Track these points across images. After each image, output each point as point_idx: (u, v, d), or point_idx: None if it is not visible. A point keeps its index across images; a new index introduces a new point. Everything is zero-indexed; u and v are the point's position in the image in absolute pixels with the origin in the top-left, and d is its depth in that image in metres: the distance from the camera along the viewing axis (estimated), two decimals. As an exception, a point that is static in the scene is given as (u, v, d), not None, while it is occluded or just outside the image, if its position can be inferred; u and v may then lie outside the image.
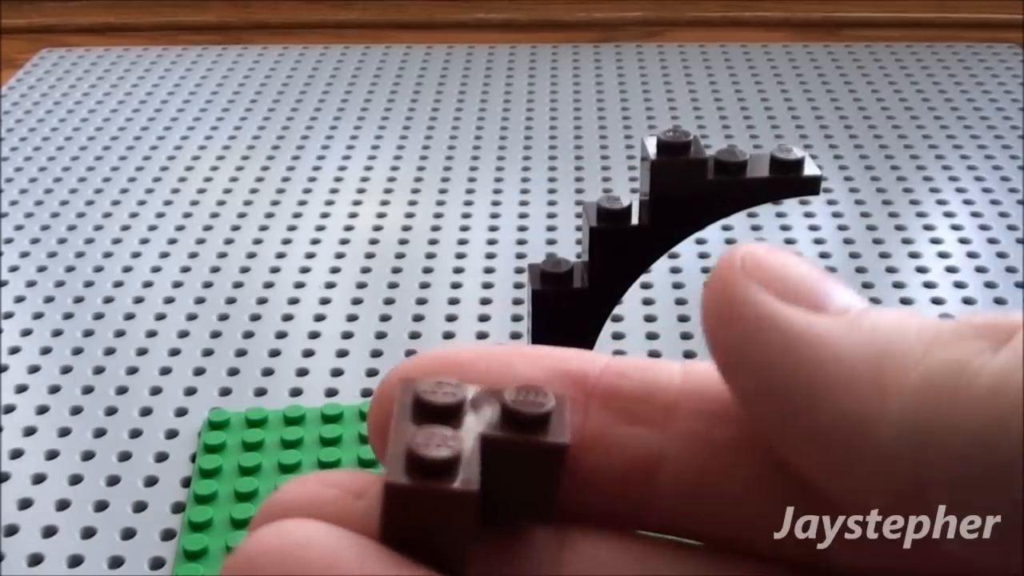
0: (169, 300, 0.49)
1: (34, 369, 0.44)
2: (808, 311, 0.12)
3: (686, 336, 0.45)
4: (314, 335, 0.46)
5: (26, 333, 0.46)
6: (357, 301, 0.48)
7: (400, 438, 0.12)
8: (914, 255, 0.51)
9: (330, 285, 0.50)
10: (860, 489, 0.11)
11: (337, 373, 0.44)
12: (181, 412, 0.42)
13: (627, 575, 0.13)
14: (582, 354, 0.14)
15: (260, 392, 0.43)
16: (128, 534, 0.36)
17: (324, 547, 0.11)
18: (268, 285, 0.50)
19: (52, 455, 0.40)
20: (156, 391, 0.43)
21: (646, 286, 0.48)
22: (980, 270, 0.50)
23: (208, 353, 0.45)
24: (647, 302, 0.47)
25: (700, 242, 0.52)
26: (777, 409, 0.12)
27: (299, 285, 0.50)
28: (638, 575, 0.13)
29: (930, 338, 0.11)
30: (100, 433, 0.41)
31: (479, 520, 0.12)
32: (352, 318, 0.47)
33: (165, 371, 0.44)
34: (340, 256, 0.52)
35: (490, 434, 0.12)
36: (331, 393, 0.42)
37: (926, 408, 0.11)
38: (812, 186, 0.26)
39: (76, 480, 0.39)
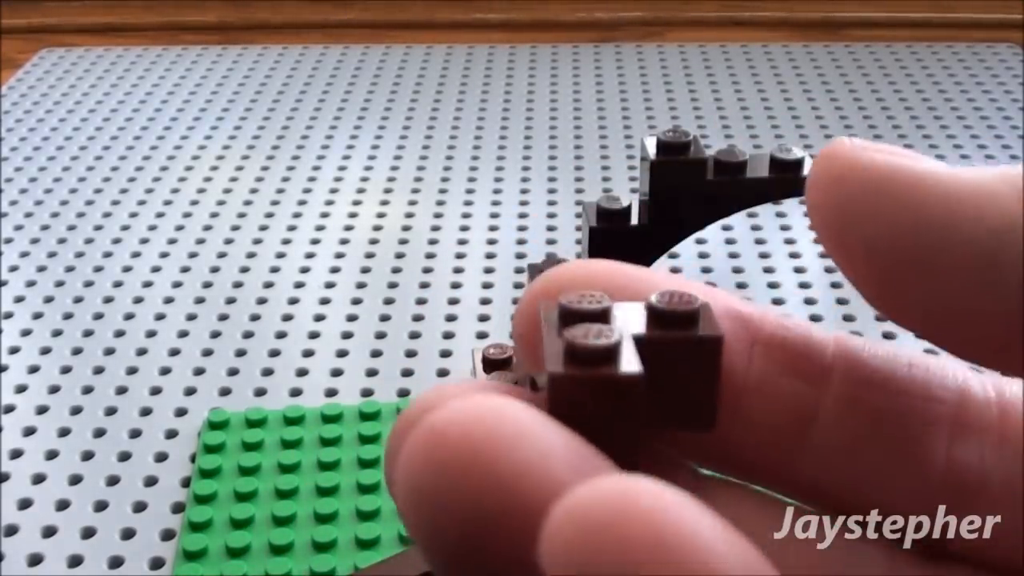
0: (169, 300, 0.49)
1: (34, 369, 0.44)
2: (925, 162, 0.12)
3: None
4: (314, 335, 0.46)
5: (26, 333, 0.46)
6: (357, 301, 0.48)
7: (554, 340, 0.11)
8: (914, 255, 0.51)
9: (330, 285, 0.50)
10: (1000, 312, 0.11)
11: (337, 373, 0.44)
12: (181, 412, 0.42)
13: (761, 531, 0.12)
14: (744, 301, 0.13)
15: (260, 392, 0.43)
16: (128, 534, 0.36)
17: (519, 420, 0.10)
18: (268, 285, 0.50)
19: (52, 455, 0.40)
20: (156, 391, 0.43)
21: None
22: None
23: (208, 353, 0.45)
24: (647, 302, 0.47)
25: (700, 242, 0.52)
26: (912, 245, 0.11)
27: (299, 285, 0.50)
28: (774, 535, 0.12)
29: None
30: (100, 433, 0.41)
31: (646, 411, 0.11)
32: (352, 318, 0.47)
33: (165, 371, 0.44)
34: (340, 256, 0.52)
35: (643, 333, 0.12)
36: (331, 393, 0.42)
37: None
38: (812, 186, 0.26)
39: (76, 480, 0.39)
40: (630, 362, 0.11)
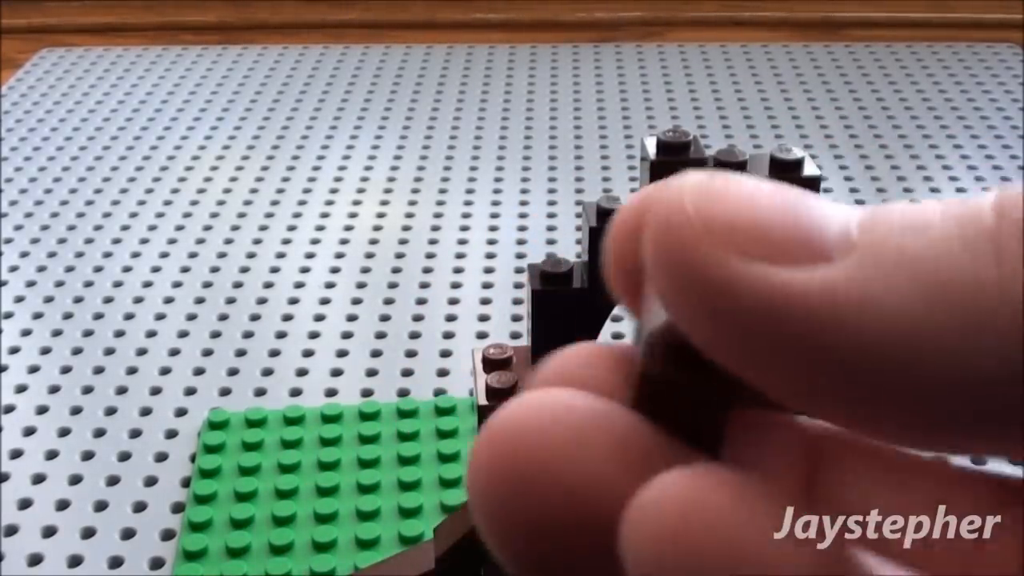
0: (169, 300, 0.49)
1: (34, 369, 0.44)
2: (805, 265, 0.10)
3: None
4: (314, 335, 0.46)
5: (26, 333, 0.46)
6: (357, 301, 0.48)
7: (652, 317, 0.11)
8: (914, 255, 0.51)
9: (330, 285, 0.50)
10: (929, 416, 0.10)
11: (337, 373, 0.44)
12: (181, 412, 0.42)
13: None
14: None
15: (260, 392, 0.43)
16: (128, 534, 0.36)
17: (584, 412, 0.10)
18: (268, 285, 0.50)
19: (52, 455, 0.40)
20: (156, 391, 0.43)
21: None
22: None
23: (208, 353, 0.45)
24: (647, 302, 0.47)
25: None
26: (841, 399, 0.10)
27: (299, 285, 0.50)
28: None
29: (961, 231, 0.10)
30: (100, 433, 0.41)
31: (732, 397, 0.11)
32: (352, 318, 0.47)
33: (165, 371, 0.44)
34: (340, 256, 0.52)
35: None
36: (331, 393, 0.42)
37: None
38: (812, 186, 0.26)
39: (76, 480, 0.39)
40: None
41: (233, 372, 0.44)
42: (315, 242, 0.53)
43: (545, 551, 0.10)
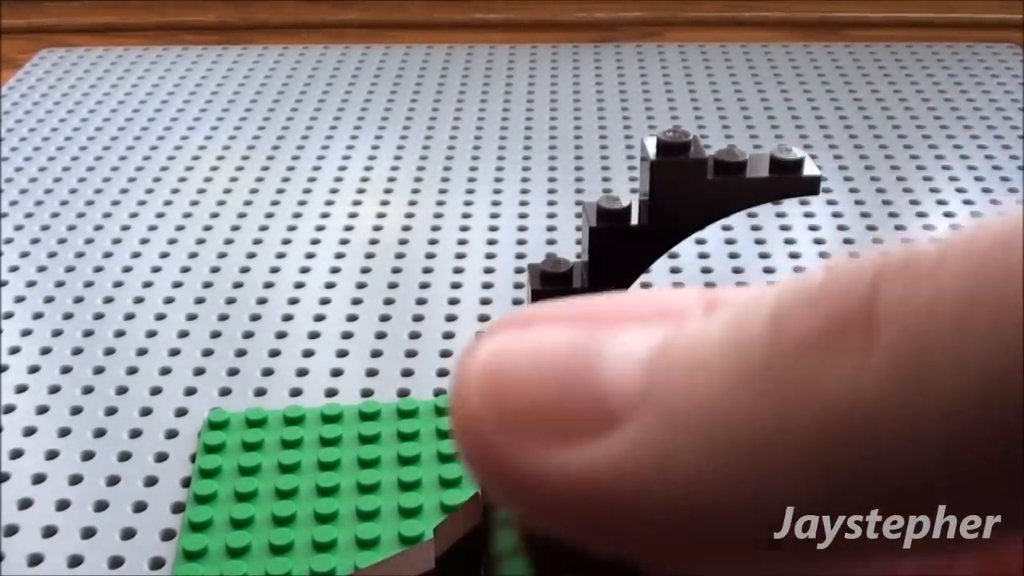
0: (169, 300, 0.49)
1: (34, 369, 0.44)
2: (592, 439, 0.09)
3: (686, 336, 0.45)
4: (314, 335, 0.46)
5: (26, 333, 0.46)
6: (357, 301, 0.48)
7: None
8: (914, 255, 0.51)
9: (330, 285, 0.50)
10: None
11: (337, 373, 0.44)
12: (181, 412, 0.42)
13: None
14: (679, 293, 0.12)
15: (260, 392, 0.43)
16: (128, 534, 0.36)
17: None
18: (268, 285, 0.50)
19: (52, 455, 0.40)
20: (156, 391, 0.43)
21: (646, 286, 0.48)
22: (980, 270, 0.50)
23: (208, 353, 0.45)
24: (647, 302, 0.47)
25: (700, 242, 0.52)
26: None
27: (299, 285, 0.50)
28: None
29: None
30: (100, 433, 0.41)
31: None
32: (352, 318, 0.47)
33: (165, 371, 0.44)
34: (340, 256, 0.52)
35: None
36: (331, 393, 0.42)
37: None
38: (812, 186, 0.26)
39: (76, 480, 0.39)
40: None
41: (233, 372, 0.44)
42: (315, 242, 0.53)
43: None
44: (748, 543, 0.09)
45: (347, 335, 0.46)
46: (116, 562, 0.35)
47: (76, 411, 0.42)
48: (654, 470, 0.09)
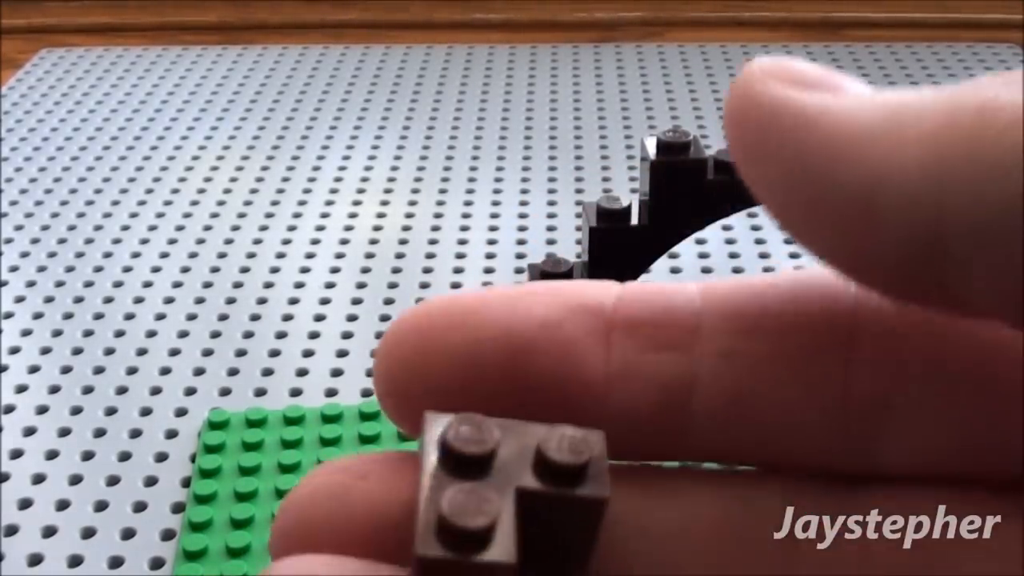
0: (169, 300, 0.49)
1: (34, 369, 0.44)
2: (824, 94, 0.12)
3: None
4: (314, 335, 0.46)
5: (26, 333, 0.46)
6: (357, 301, 0.48)
7: (430, 499, 0.11)
8: (914, 255, 0.51)
9: (330, 285, 0.50)
10: (879, 253, 0.11)
11: (337, 373, 0.44)
12: (181, 412, 0.42)
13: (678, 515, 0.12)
14: (595, 284, 0.13)
15: (260, 392, 0.43)
16: (128, 534, 0.36)
17: None
18: (268, 285, 0.50)
19: (52, 455, 0.40)
20: (156, 391, 0.43)
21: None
22: (980, 270, 0.50)
23: (208, 353, 0.45)
24: (647, 302, 0.47)
25: (700, 242, 0.52)
26: (798, 186, 0.11)
27: (299, 285, 0.50)
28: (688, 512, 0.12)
29: (949, 91, 0.11)
30: (100, 433, 0.41)
31: None
32: (352, 318, 0.47)
33: (165, 371, 0.44)
34: (340, 256, 0.52)
35: (527, 487, 0.11)
36: (331, 393, 0.42)
37: (946, 147, 0.10)
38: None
39: (76, 480, 0.39)
40: (505, 550, 0.11)
41: (233, 372, 0.44)
42: (315, 242, 0.53)
43: None
44: (914, 244, 0.11)
45: (347, 335, 0.46)
46: (116, 562, 0.35)
47: (76, 411, 0.42)
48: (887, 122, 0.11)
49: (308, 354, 0.45)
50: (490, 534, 0.11)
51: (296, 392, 0.43)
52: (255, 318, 0.47)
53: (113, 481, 0.39)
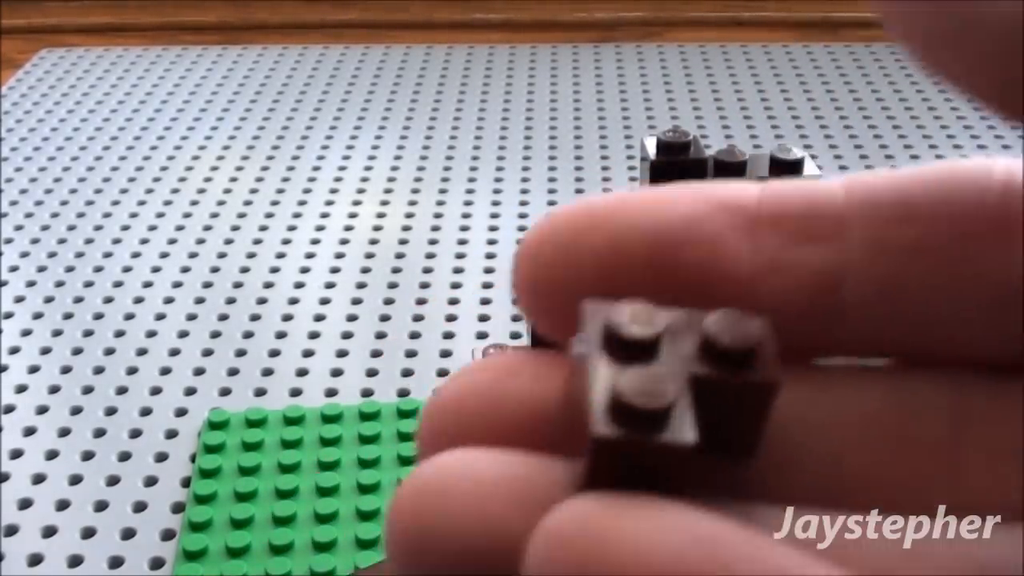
0: (169, 300, 0.49)
1: (34, 369, 0.44)
2: None
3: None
4: (314, 335, 0.46)
5: (26, 333, 0.46)
6: (357, 301, 0.48)
7: (603, 380, 0.11)
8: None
9: (330, 285, 0.50)
10: None
11: (337, 373, 0.44)
12: (181, 412, 0.42)
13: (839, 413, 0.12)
14: (735, 184, 0.13)
15: (260, 392, 0.43)
16: (128, 534, 0.36)
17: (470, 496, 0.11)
18: (268, 285, 0.50)
19: (52, 455, 0.40)
20: (156, 391, 0.43)
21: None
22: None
23: (208, 353, 0.45)
24: (647, 302, 0.47)
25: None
26: (944, 22, 0.10)
27: (299, 285, 0.50)
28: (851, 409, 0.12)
29: None
30: (100, 433, 0.41)
31: (696, 468, 0.11)
32: (352, 318, 0.47)
33: (165, 371, 0.44)
34: (340, 256, 0.52)
35: (698, 373, 0.11)
36: (331, 393, 0.43)
37: None
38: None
39: (76, 480, 0.39)
40: (682, 429, 0.10)
41: (233, 372, 0.44)
42: (315, 242, 0.53)
43: None
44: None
45: (347, 335, 0.46)
46: (116, 562, 0.35)
47: (76, 411, 0.42)
48: None
49: (308, 354, 0.45)
50: (668, 415, 0.10)
51: (296, 392, 0.43)
52: (255, 318, 0.47)
53: (113, 481, 0.39)
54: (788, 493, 0.12)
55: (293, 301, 0.48)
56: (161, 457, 0.40)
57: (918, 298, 0.12)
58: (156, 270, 0.51)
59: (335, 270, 0.51)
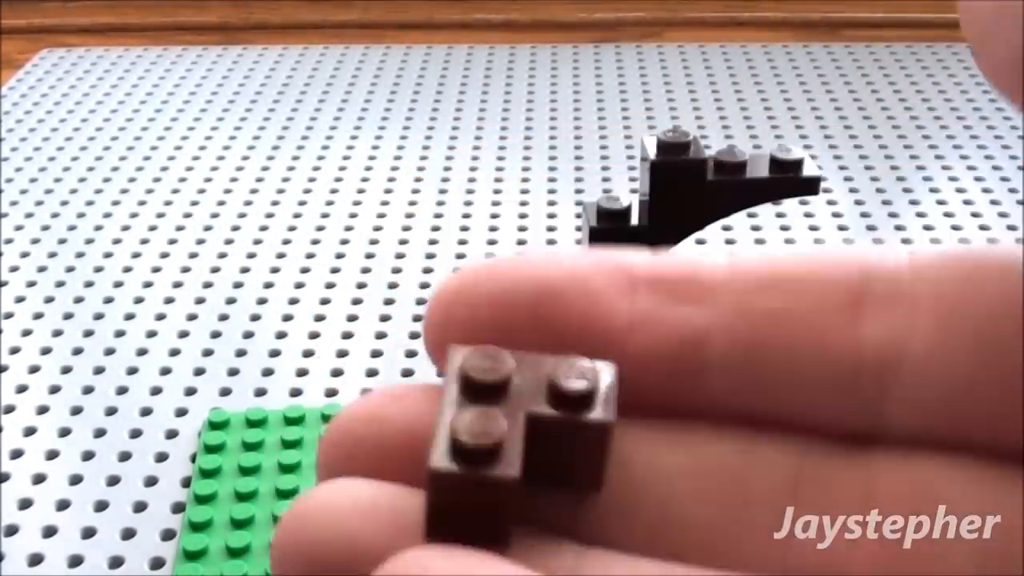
0: (169, 300, 0.49)
1: (34, 369, 0.44)
2: None
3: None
4: (314, 335, 0.46)
5: (26, 333, 0.46)
6: (357, 301, 0.48)
7: (445, 420, 0.12)
8: (914, 255, 0.51)
9: (330, 285, 0.50)
10: None
11: (337, 373, 0.44)
12: (181, 412, 0.42)
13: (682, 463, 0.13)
14: (632, 251, 0.14)
15: (260, 392, 0.43)
16: (128, 534, 0.36)
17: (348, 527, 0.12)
18: (268, 285, 0.50)
19: (52, 455, 0.40)
20: (156, 391, 0.43)
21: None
22: (980, 270, 0.50)
23: (208, 353, 0.45)
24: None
25: (700, 242, 0.52)
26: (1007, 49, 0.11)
27: (299, 285, 0.50)
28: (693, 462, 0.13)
29: None
30: (100, 433, 0.41)
31: (524, 499, 0.12)
32: (352, 318, 0.47)
33: (165, 371, 0.44)
34: (340, 256, 0.52)
35: (535, 413, 0.12)
36: (331, 393, 0.43)
37: None
38: (812, 186, 0.26)
39: (76, 480, 0.39)
40: (511, 464, 0.11)
41: (233, 372, 0.44)
42: (315, 242, 0.53)
43: None
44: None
45: (347, 335, 0.46)
46: (116, 562, 0.35)
47: (76, 411, 0.42)
48: None
49: (308, 354, 0.45)
50: (497, 452, 0.11)
51: (296, 392, 0.43)
52: (255, 318, 0.47)
53: (113, 481, 0.39)
54: (626, 535, 0.13)
55: (293, 301, 0.48)
56: (161, 457, 0.40)
57: (775, 364, 0.13)
58: (156, 270, 0.51)
59: (335, 270, 0.51)
